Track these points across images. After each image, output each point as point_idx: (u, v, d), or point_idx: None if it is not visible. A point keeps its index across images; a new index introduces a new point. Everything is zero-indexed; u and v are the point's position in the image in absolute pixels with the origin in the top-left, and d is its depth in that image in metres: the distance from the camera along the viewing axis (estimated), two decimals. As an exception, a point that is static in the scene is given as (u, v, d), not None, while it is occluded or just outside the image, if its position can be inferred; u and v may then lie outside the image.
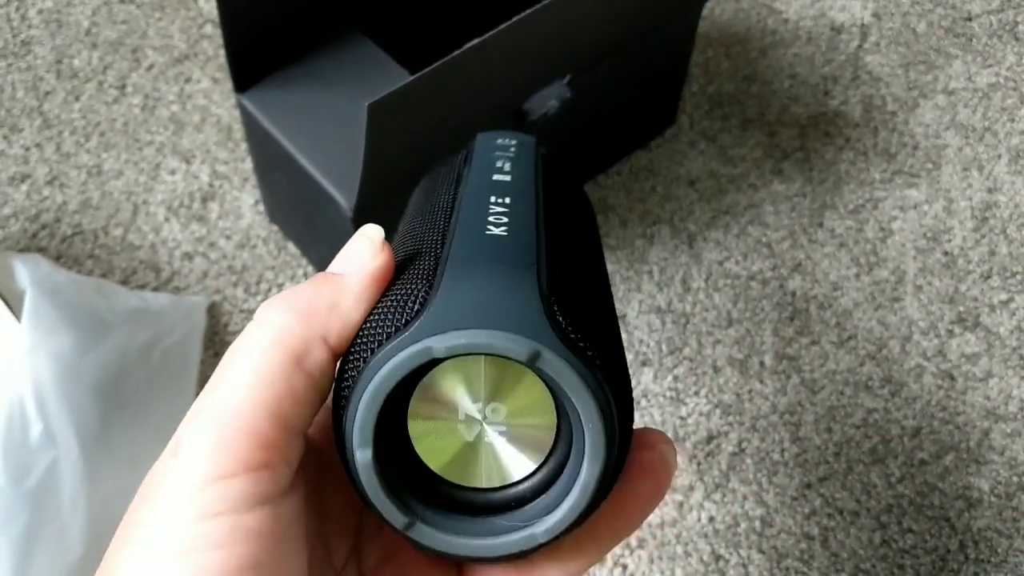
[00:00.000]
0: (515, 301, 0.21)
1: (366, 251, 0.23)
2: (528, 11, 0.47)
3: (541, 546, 0.22)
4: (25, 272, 0.50)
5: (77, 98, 0.70)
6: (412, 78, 0.44)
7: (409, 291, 0.22)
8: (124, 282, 0.61)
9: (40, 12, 0.74)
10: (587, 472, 0.22)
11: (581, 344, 0.22)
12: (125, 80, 0.71)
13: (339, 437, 0.22)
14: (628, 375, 0.24)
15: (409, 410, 0.23)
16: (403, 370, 0.21)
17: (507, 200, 0.27)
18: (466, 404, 0.23)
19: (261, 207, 0.65)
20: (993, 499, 0.56)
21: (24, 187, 0.66)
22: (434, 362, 0.21)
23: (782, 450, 0.57)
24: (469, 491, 0.23)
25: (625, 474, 0.23)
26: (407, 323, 0.21)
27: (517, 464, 0.23)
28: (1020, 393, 0.59)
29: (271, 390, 0.21)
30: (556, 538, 0.22)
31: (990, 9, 0.79)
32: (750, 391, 0.59)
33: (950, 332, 0.62)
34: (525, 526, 0.22)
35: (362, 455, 0.21)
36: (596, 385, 0.21)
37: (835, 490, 0.55)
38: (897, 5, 0.79)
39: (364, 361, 0.22)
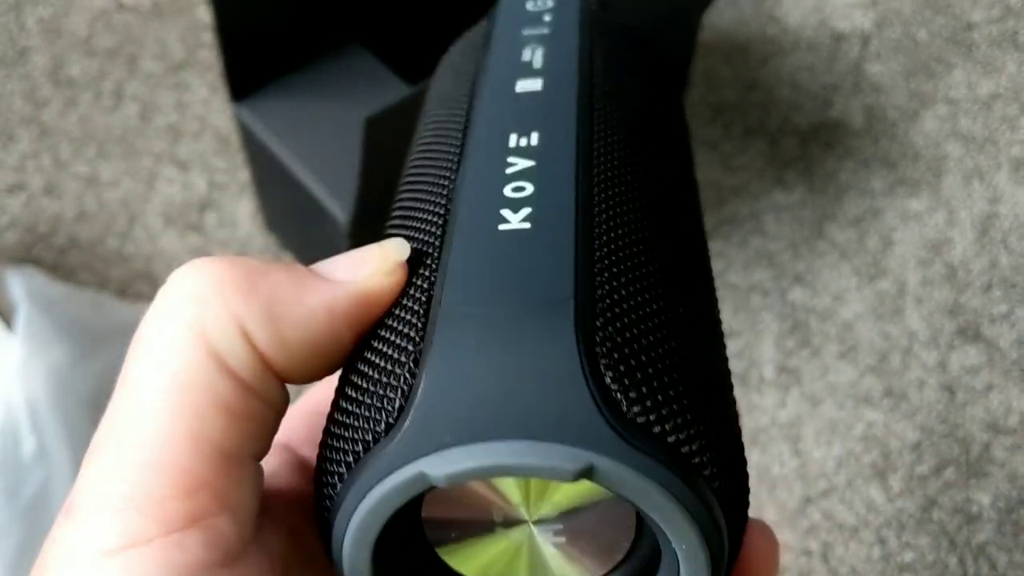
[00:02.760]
0: (543, 380, 0.14)
1: (380, 260, 0.16)
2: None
3: None
4: (19, 285, 0.50)
5: (74, 107, 0.70)
6: (410, 91, 0.44)
7: (390, 356, 0.15)
8: (120, 293, 0.61)
9: (38, 21, 0.74)
10: None
11: (661, 437, 0.14)
12: (122, 89, 0.71)
13: (327, 546, 0.16)
14: (742, 455, 0.16)
15: (423, 515, 0.16)
16: (393, 503, 0.14)
17: (534, 142, 0.18)
18: (501, 505, 0.16)
19: (259, 216, 0.64)
20: (993, 513, 0.55)
21: (21, 197, 0.65)
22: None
23: (782, 463, 0.56)
24: None
25: None
26: (388, 428, 0.15)
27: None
28: (1020, 406, 0.59)
29: (188, 403, 0.14)
30: None
31: (991, 18, 0.79)
32: (750, 404, 0.58)
33: (951, 344, 0.61)
34: None
35: None
36: (695, 500, 0.14)
37: (835, 504, 0.55)
38: (898, 14, 0.79)
39: (340, 479, 0.15)
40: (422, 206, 0.18)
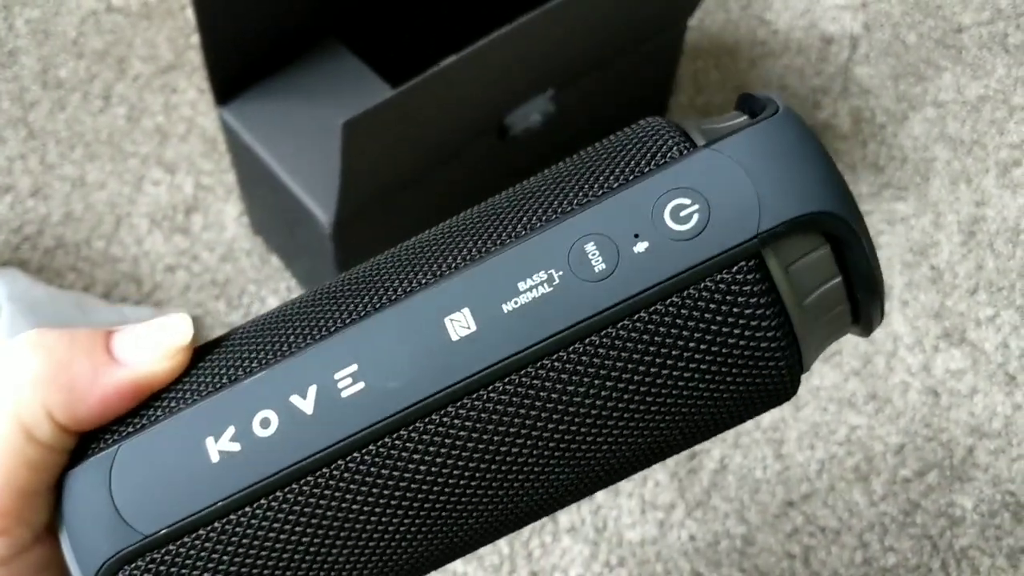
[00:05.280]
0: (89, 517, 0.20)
1: (160, 346, 0.20)
2: (511, 24, 0.46)
3: None
4: (2, 287, 0.50)
5: (62, 109, 0.70)
6: (390, 95, 0.44)
7: (114, 431, 0.20)
8: (106, 295, 0.61)
9: (27, 22, 0.74)
10: None
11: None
12: (111, 90, 0.71)
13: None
14: None
15: None
16: None
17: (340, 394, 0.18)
18: None
19: (245, 219, 0.65)
20: (976, 517, 0.55)
21: (7, 199, 0.65)
22: None
23: (764, 467, 0.56)
24: None
25: None
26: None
27: None
28: (1004, 410, 0.59)
29: (3, 465, 0.20)
30: None
31: (980, 21, 0.79)
32: (733, 407, 0.58)
33: (935, 347, 0.62)
34: None
35: None
36: None
37: (817, 508, 0.55)
38: (888, 16, 0.79)
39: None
40: (264, 344, 0.20)
